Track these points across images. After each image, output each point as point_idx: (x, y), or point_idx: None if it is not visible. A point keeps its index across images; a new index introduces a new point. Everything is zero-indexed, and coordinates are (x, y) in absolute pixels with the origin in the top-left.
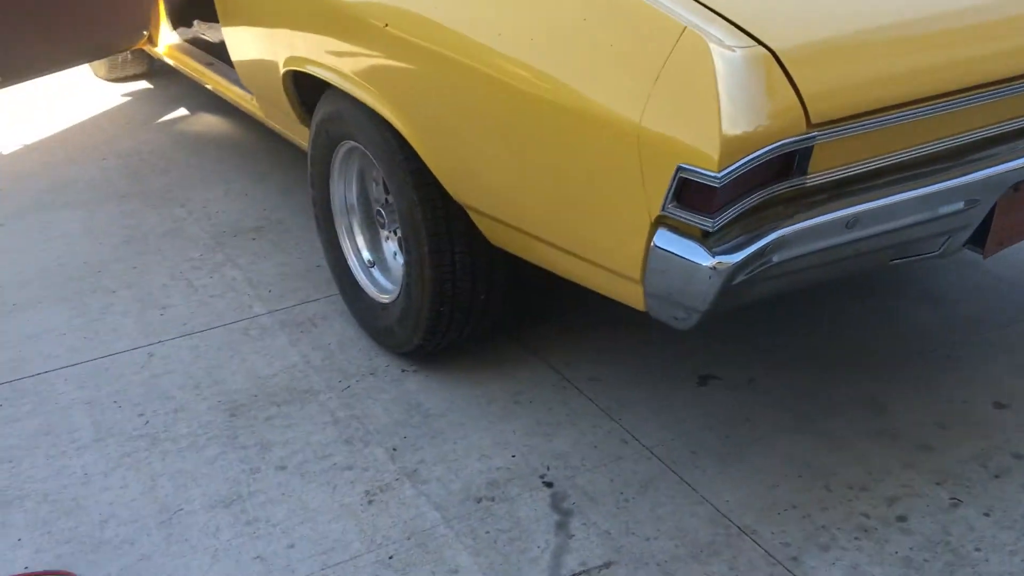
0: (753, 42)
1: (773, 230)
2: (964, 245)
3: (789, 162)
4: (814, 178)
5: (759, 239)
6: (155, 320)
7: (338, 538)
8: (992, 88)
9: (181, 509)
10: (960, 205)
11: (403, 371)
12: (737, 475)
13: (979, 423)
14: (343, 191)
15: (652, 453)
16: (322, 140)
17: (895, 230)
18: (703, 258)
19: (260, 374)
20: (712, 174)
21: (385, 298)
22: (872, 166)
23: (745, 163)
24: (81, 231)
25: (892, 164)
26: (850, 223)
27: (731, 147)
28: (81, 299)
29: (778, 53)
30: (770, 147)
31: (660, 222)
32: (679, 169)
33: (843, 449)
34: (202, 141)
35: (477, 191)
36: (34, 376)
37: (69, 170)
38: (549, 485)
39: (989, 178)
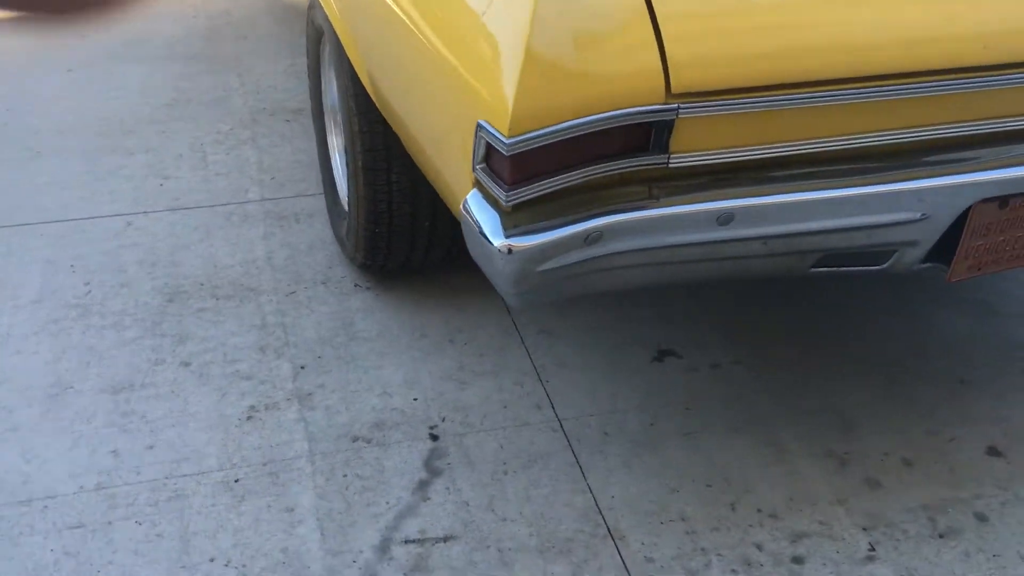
0: None
1: (600, 215)
2: (925, 262)
3: (645, 136)
4: (681, 159)
5: (573, 224)
6: (152, 190)
7: (198, 449)
8: (944, 77)
9: (72, 387)
10: (892, 217)
11: (355, 286)
12: (640, 469)
13: (956, 468)
14: (332, 87)
15: (561, 426)
16: (310, 30)
17: (796, 235)
18: (496, 235)
19: (218, 263)
20: (502, 138)
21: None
22: (763, 154)
23: (554, 131)
24: (136, 88)
25: (795, 155)
26: (723, 219)
27: (531, 108)
28: (99, 156)
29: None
30: (604, 115)
31: (475, 182)
32: (478, 127)
33: (778, 464)
34: (294, 12)
35: (383, 106)
36: (17, 226)
37: (156, 24)
38: (435, 438)
39: (938, 189)
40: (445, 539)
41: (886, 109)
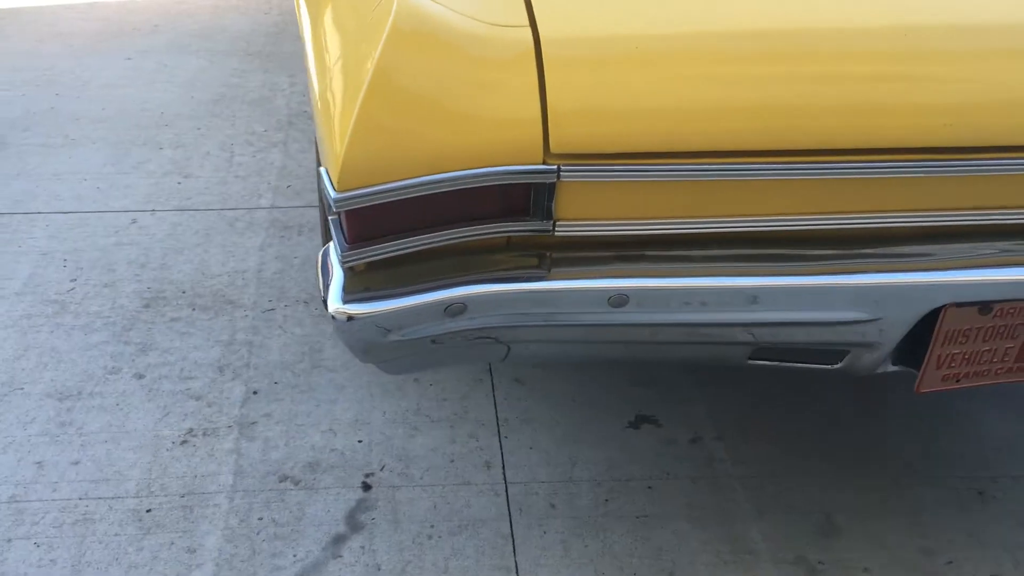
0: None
1: (461, 284)
2: (898, 365)
3: (524, 199)
4: (569, 228)
5: (427, 293)
6: (168, 187)
7: (120, 471)
8: (883, 158)
9: (21, 388)
10: (827, 315)
11: None
12: (578, 553)
13: None
14: None
15: (506, 491)
16: None
17: (707, 326)
18: (334, 298)
19: (207, 271)
20: (331, 192)
21: None
22: (670, 230)
23: (396, 188)
24: (186, 81)
25: (713, 234)
26: (615, 300)
27: (365, 162)
28: (128, 149)
29: (543, 40)
30: (456, 175)
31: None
32: (319, 177)
33: (735, 566)
34: None
35: None
36: (24, 214)
37: (226, 17)
38: (367, 488)
39: (886, 287)
40: None
41: (817, 189)
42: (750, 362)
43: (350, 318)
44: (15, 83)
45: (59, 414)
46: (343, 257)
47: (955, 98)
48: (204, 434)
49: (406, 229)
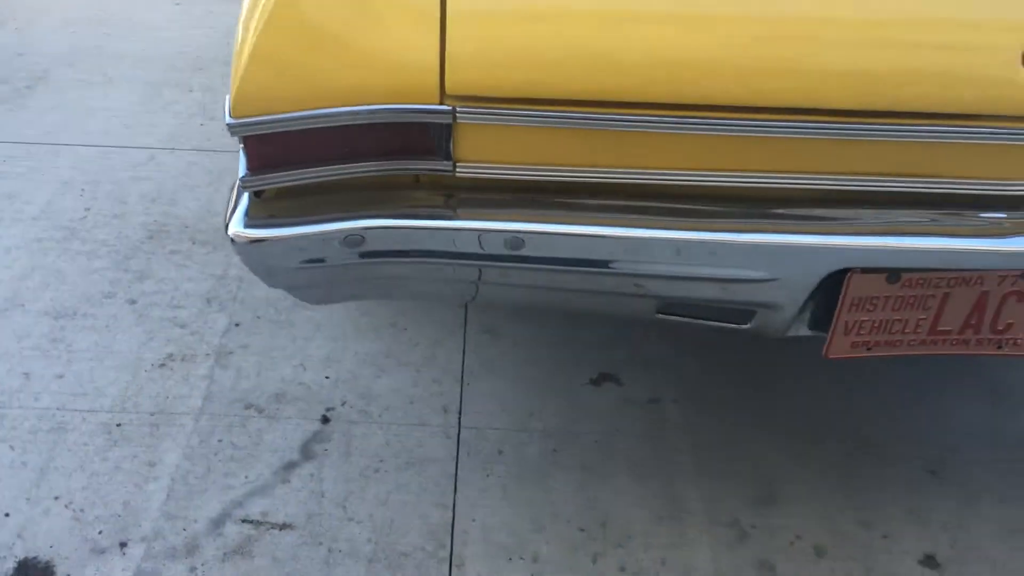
0: None
1: (360, 217)
2: (810, 330)
3: (424, 138)
4: (469, 169)
5: (324, 223)
6: (191, 128)
7: (100, 387)
8: (782, 117)
9: (22, 305)
10: (722, 272)
11: None
12: (517, 497)
13: (874, 570)
14: None
15: (458, 434)
16: None
17: (601, 275)
18: (236, 221)
19: (212, 208)
20: (227, 118)
21: None
22: (571, 178)
23: (286, 119)
24: (228, 28)
25: (612, 184)
26: (511, 243)
27: (259, 92)
28: (160, 90)
29: None
30: (351, 109)
31: None
32: (226, 102)
33: (669, 523)
34: None
35: None
36: (54, 144)
37: None
38: (326, 421)
39: (779, 247)
40: (282, 527)
41: (712, 145)
42: (659, 316)
43: (246, 241)
44: (68, 20)
45: (52, 331)
46: (242, 182)
47: (851, 62)
48: (183, 359)
49: (308, 161)
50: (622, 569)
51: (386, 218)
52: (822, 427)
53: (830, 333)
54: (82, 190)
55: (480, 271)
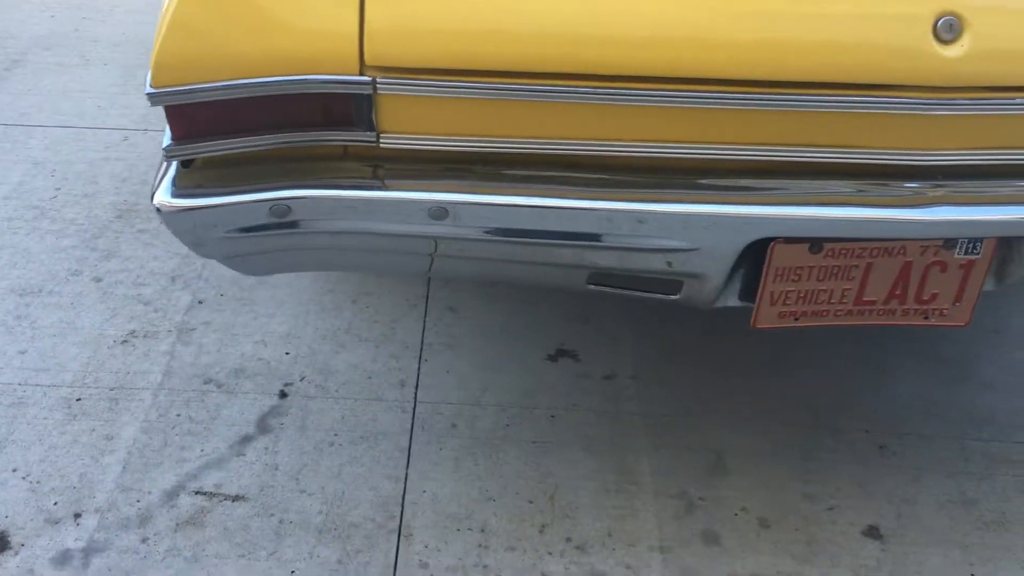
0: None
1: (287, 187)
2: (741, 301)
3: (347, 109)
4: (393, 140)
5: (249, 192)
6: None
7: (63, 363)
8: (701, 88)
9: None
10: (640, 242)
11: None
12: (468, 470)
13: (817, 541)
14: None
15: (414, 409)
16: None
17: (528, 244)
18: (162, 190)
19: None
20: (147, 87)
21: None
22: (495, 148)
23: (205, 89)
24: None
25: (535, 155)
26: (435, 212)
27: (178, 60)
28: (136, 71)
29: None
30: (272, 80)
31: None
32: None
33: (618, 494)
34: None
35: None
36: (27, 126)
37: None
38: (284, 395)
39: (698, 217)
40: (235, 498)
41: (631, 116)
42: (590, 287)
43: (170, 210)
44: (47, 4)
45: (18, 308)
46: (166, 151)
47: (767, 33)
48: (145, 336)
49: (231, 131)
50: (568, 539)
51: (311, 188)
52: (775, 403)
53: (756, 303)
54: (53, 170)
55: (407, 242)
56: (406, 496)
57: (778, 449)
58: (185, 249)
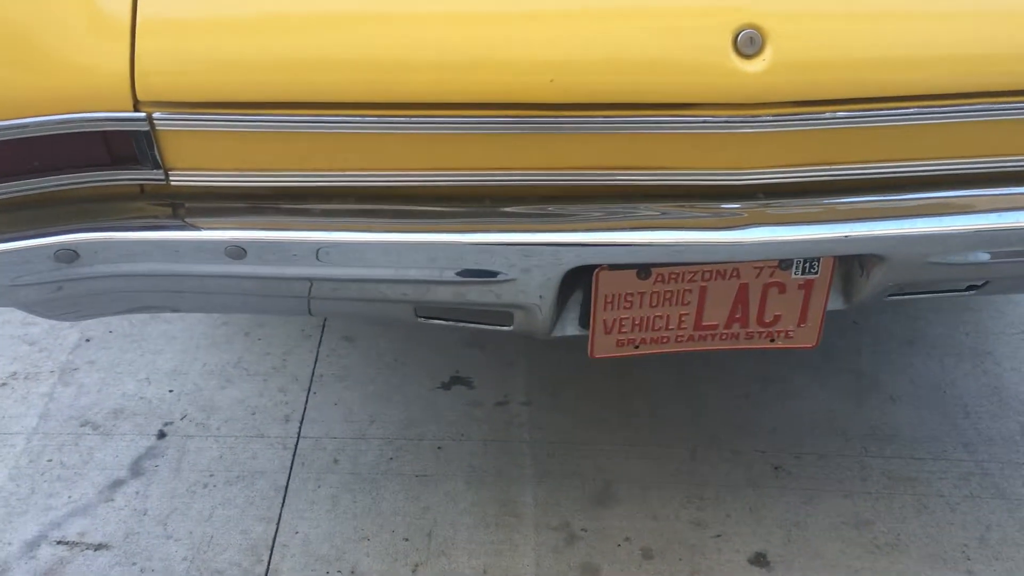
0: None
1: (70, 231)
2: (583, 328)
3: (126, 146)
4: (183, 178)
5: (27, 238)
6: None
7: None
8: (497, 113)
9: None
10: (448, 275)
11: None
12: (346, 507)
13: (701, 571)
14: None
15: (296, 444)
16: None
17: (330, 280)
18: None
19: None
20: None
21: None
22: (292, 183)
23: None
24: None
25: (337, 188)
26: (233, 252)
27: None
28: None
29: None
30: (35, 120)
31: None
32: None
33: (497, 528)
34: None
35: None
36: None
37: None
38: (162, 436)
39: (503, 247)
40: (97, 547)
41: (435, 144)
42: (421, 320)
43: None
44: None
45: None
46: None
47: (564, 55)
48: (26, 378)
49: (17, 172)
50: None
51: (97, 231)
52: (670, 427)
53: (591, 332)
54: None
55: (215, 283)
56: (277, 538)
57: (671, 475)
58: None
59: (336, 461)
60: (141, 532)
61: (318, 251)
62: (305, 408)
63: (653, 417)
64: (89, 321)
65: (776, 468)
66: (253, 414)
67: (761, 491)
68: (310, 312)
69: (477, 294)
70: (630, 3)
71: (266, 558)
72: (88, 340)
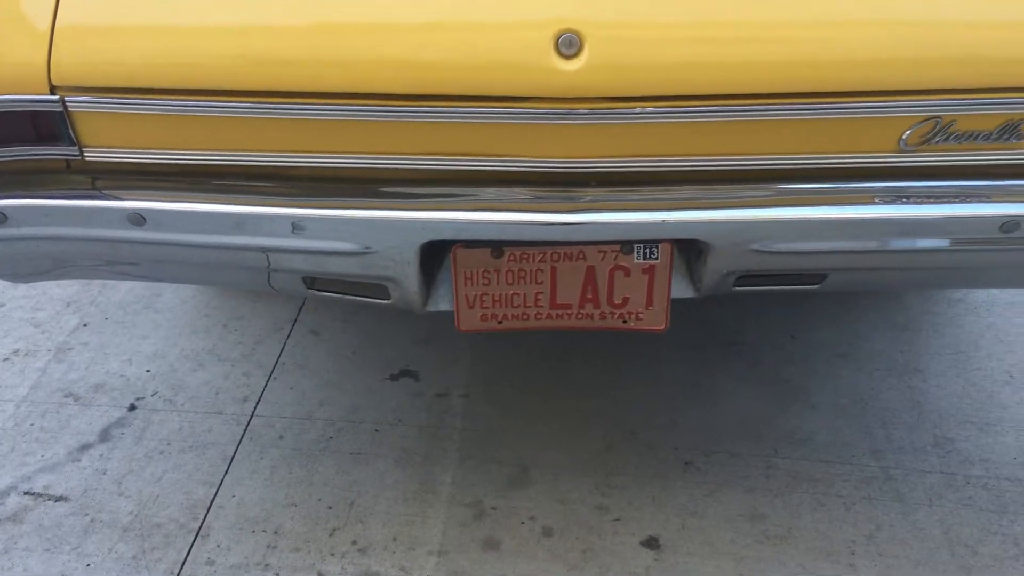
0: None
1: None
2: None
3: (49, 126)
4: (97, 154)
5: None
6: None
7: None
8: (374, 102)
9: None
10: (318, 245)
11: None
12: (281, 477)
13: (593, 549)
14: None
15: (249, 422)
16: None
17: (222, 248)
18: None
19: None
20: None
21: None
22: (194, 160)
23: None
24: None
25: (234, 166)
26: (134, 219)
27: None
28: None
29: None
30: None
31: None
32: None
33: (413, 503)
34: None
35: None
36: None
37: None
38: (132, 409)
39: (363, 220)
40: (57, 499)
41: (302, 129)
42: (312, 292)
43: None
44: None
45: None
46: None
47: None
48: (26, 354)
49: None
50: (353, 542)
51: (23, 198)
52: (594, 419)
53: (455, 306)
54: None
55: (120, 248)
56: (215, 500)
57: (586, 464)
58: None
59: (281, 437)
60: (98, 488)
61: (206, 221)
62: (263, 391)
63: (579, 412)
64: (89, 308)
65: (686, 463)
66: (216, 394)
67: (667, 483)
68: (209, 282)
69: (347, 266)
70: (470, 12)
71: (202, 516)
72: (86, 325)
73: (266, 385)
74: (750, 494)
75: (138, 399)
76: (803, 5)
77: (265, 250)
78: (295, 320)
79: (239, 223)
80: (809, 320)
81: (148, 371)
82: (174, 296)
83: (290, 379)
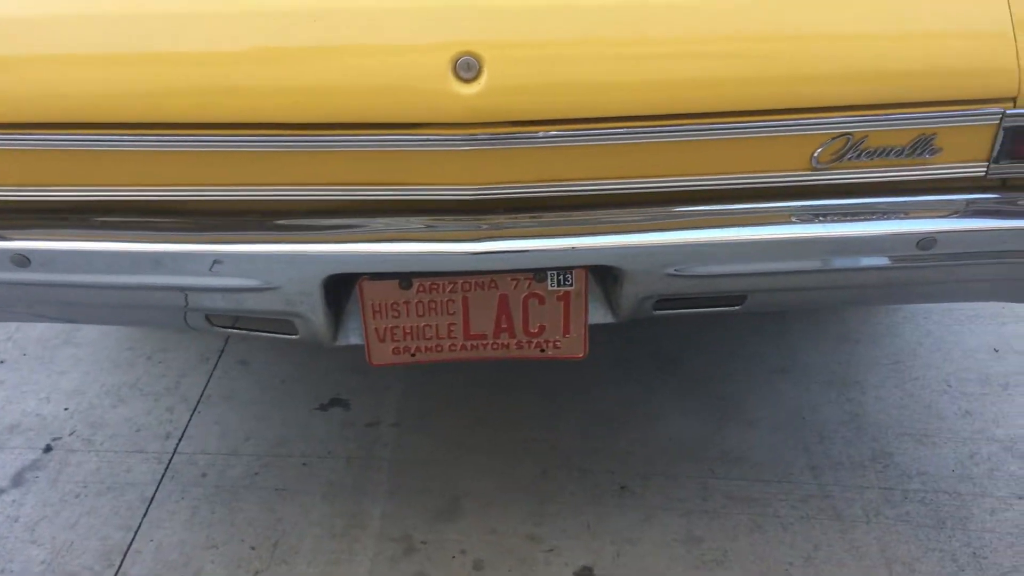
0: None
1: None
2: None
3: None
4: None
5: None
6: None
7: None
8: (242, 132)
9: None
10: (219, 282)
11: None
12: (203, 518)
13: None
14: None
15: (170, 460)
16: None
17: (112, 288)
18: None
19: None
20: None
21: None
22: (69, 197)
23: None
24: None
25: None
26: (18, 260)
27: None
28: None
29: None
30: None
31: None
32: None
33: (341, 539)
34: None
35: None
36: None
37: None
38: (48, 450)
39: (261, 255)
40: None
41: (208, 161)
42: (215, 329)
43: None
44: None
45: None
46: None
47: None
48: None
49: None
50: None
51: None
52: (527, 446)
53: (365, 340)
54: None
55: (9, 291)
56: (132, 545)
57: (518, 492)
58: None
59: (204, 475)
60: (9, 537)
61: (92, 260)
62: (187, 426)
63: (513, 440)
64: (6, 343)
65: (622, 488)
66: (137, 431)
67: (602, 509)
68: (109, 321)
69: (251, 302)
70: (365, 36)
71: (118, 562)
72: (2, 362)
73: (190, 420)
74: (686, 517)
75: (55, 439)
76: (708, 23)
77: (156, 288)
78: (222, 350)
79: (129, 261)
80: (748, 336)
81: (66, 409)
82: (95, 329)
83: (215, 413)
